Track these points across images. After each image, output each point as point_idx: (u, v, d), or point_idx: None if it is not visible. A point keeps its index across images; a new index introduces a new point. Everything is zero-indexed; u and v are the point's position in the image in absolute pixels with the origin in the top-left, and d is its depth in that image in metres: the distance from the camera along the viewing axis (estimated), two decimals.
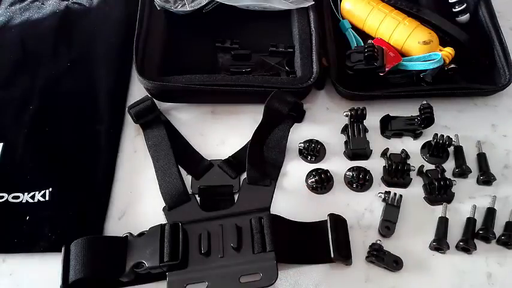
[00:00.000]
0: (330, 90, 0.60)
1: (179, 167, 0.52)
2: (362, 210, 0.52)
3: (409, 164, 0.52)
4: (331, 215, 0.48)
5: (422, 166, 0.54)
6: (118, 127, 0.57)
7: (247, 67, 0.59)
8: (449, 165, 0.54)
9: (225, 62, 0.60)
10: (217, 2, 0.61)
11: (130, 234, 0.46)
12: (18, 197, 0.51)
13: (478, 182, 0.53)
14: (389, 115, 0.58)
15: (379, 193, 0.52)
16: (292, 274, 0.48)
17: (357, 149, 0.54)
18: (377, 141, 0.56)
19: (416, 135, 0.57)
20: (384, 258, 0.47)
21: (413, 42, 0.58)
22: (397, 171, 0.52)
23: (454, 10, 0.64)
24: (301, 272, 0.48)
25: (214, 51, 0.62)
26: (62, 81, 0.60)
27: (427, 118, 0.54)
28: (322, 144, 0.56)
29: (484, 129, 0.58)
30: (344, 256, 0.47)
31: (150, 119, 0.55)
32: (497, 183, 0.53)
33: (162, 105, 0.58)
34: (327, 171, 0.53)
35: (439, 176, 0.52)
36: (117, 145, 0.55)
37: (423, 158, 0.55)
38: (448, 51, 0.58)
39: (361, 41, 0.62)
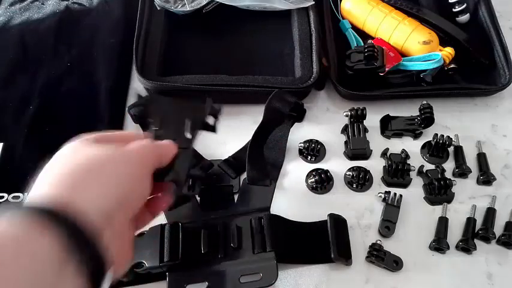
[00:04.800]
0: (330, 90, 0.60)
1: None
2: (362, 210, 0.52)
3: (409, 164, 0.52)
4: (331, 215, 0.48)
5: (422, 166, 0.54)
6: (118, 127, 0.57)
7: None
8: (449, 165, 0.54)
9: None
10: (217, 2, 0.61)
11: None
12: (18, 197, 0.51)
13: (478, 182, 0.53)
14: (389, 115, 0.58)
15: (379, 193, 0.52)
16: (292, 274, 0.48)
17: (357, 149, 0.54)
18: (377, 141, 0.56)
19: (416, 135, 0.57)
20: (384, 258, 0.47)
21: (413, 42, 0.58)
22: (397, 171, 0.52)
23: (454, 10, 0.64)
24: (301, 272, 0.48)
25: (214, 51, 0.62)
26: (62, 81, 0.60)
27: (427, 118, 0.54)
28: (322, 144, 0.56)
29: (484, 129, 0.58)
30: (344, 256, 0.47)
31: None
32: (497, 183, 0.53)
33: None
34: (327, 171, 0.53)
35: (439, 176, 0.52)
36: None
37: (423, 158, 0.55)
38: (448, 51, 0.58)
39: (361, 41, 0.62)
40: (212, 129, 0.44)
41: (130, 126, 0.57)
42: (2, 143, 0.54)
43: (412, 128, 0.56)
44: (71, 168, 0.28)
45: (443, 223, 0.50)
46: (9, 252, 0.22)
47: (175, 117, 0.40)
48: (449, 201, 0.52)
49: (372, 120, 0.57)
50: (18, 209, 0.25)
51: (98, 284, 0.26)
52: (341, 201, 0.52)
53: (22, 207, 0.25)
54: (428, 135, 0.56)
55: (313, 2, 0.62)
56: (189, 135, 0.39)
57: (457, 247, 0.49)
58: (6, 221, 0.24)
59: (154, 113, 0.40)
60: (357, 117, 0.55)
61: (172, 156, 0.35)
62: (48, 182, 0.28)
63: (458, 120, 0.58)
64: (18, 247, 0.23)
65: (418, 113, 0.56)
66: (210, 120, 0.43)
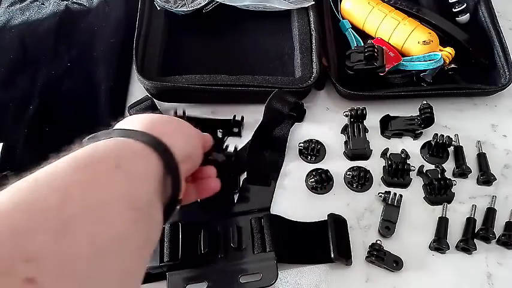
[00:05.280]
0: (330, 90, 0.60)
1: None
2: (362, 210, 0.52)
3: (409, 164, 0.52)
4: (331, 215, 0.48)
5: (422, 166, 0.54)
6: None
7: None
8: (449, 165, 0.54)
9: None
10: (217, 2, 0.61)
11: None
12: None
13: (478, 182, 0.53)
14: (389, 115, 0.58)
15: (379, 193, 0.52)
16: (292, 274, 0.48)
17: (357, 149, 0.54)
18: (377, 141, 0.56)
19: (416, 135, 0.57)
20: (384, 258, 0.47)
21: (413, 42, 0.58)
22: (397, 171, 0.52)
23: (454, 10, 0.64)
24: (301, 272, 0.48)
25: (214, 51, 0.62)
26: (62, 81, 0.60)
27: (427, 118, 0.54)
28: (322, 144, 0.56)
29: (484, 129, 0.58)
30: (344, 256, 0.47)
31: None
32: (497, 183, 0.53)
33: (162, 105, 0.58)
34: (327, 171, 0.53)
35: (439, 176, 0.52)
36: None
37: (423, 158, 0.55)
38: (448, 51, 0.58)
39: (361, 41, 0.62)
40: (238, 135, 0.55)
41: None
42: (2, 143, 0.54)
43: (412, 128, 0.56)
44: (155, 119, 0.33)
45: (443, 223, 0.50)
46: (135, 161, 0.27)
47: (209, 126, 0.53)
48: (449, 201, 0.52)
49: (372, 120, 0.57)
50: (130, 131, 0.29)
51: (171, 208, 0.31)
52: (341, 201, 0.52)
53: (133, 130, 0.30)
54: (428, 135, 0.56)
55: (313, 2, 0.62)
56: (219, 135, 0.53)
57: (457, 247, 0.49)
58: (122, 138, 0.28)
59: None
60: (357, 117, 0.55)
61: (210, 146, 0.41)
62: (139, 122, 0.31)
63: (458, 120, 0.58)
64: (139, 159, 0.27)
65: (418, 113, 0.56)
66: (235, 129, 0.55)
